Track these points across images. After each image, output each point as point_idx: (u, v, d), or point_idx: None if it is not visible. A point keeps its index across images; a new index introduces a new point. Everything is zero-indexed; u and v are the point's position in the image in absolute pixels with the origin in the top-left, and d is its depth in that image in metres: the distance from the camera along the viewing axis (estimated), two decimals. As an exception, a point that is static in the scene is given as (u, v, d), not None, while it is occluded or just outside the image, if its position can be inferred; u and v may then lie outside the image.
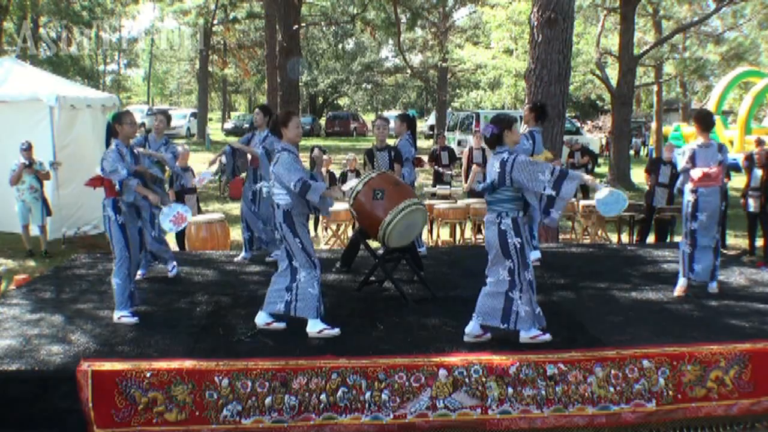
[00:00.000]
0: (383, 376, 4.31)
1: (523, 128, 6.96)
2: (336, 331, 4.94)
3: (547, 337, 4.78)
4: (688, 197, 5.93)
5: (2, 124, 10.23)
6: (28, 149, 9.29)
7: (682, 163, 5.94)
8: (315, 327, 4.94)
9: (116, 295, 5.27)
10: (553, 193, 4.48)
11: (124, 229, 5.26)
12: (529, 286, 4.71)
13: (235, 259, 7.28)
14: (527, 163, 4.58)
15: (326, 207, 5.00)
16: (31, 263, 9.08)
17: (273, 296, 5.04)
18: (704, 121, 5.93)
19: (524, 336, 4.78)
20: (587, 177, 4.81)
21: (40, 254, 9.45)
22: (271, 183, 5.02)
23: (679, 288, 5.97)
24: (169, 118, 7.17)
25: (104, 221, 5.36)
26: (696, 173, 5.84)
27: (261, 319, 5.09)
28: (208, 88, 36.48)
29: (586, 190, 12.19)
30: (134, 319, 5.23)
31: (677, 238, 9.68)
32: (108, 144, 5.44)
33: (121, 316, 5.24)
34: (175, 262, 6.66)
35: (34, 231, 9.67)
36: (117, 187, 5.20)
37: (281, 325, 5.05)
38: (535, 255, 7.08)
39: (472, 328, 4.83)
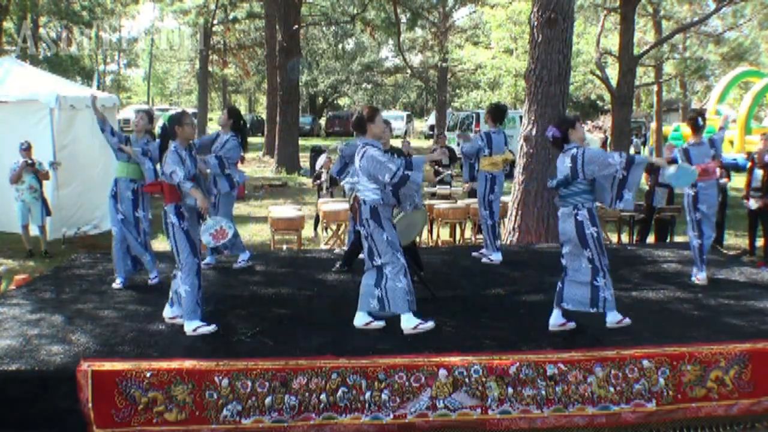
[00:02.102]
0: (383, 376, 4.31)
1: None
2: (430, 324, 4.92)
3: (628, 320, 5.01)
4: (689, 191, 6.38)
5: (2, 124, 10.23)
6: (27, 149, 9.29)
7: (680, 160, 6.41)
8: (410, 323, 4.92)
9: (186, 304, 4.96)
10: (625, 173, 4.78)
11: (189, 235, 5.00)
12: (608, 271, 4.97)
13: (234, 266, 6.94)
14: (596, 153, 4.92)
15: (417, 195, 4.97)
16: (31, 263, 9.08)
17: (365, 294, 5.02)
18: (694, 124, 6.46)
19: (611, 321, 4.98)
20: (655, 159, 4.96)
21: (40, 254, 9.45)
22: (356, 179, 4.99)
23: (700, 278, 6.35)
24: (151, 117, 6.76)
25: (166, 228, 5.05)
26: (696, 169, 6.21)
27: (359, 320, 5.03)
28: (208, 88, 36.46)
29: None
30: (211, 328, 4.96)
31: (677, 238, 9.71)
32: (164, 148, 5.14)
33: (197, 327, 4.94)
34: (157, 271, 6.35)
35: (33, 231, 9.67)
36: (175, 179, 4.89)
37: (380, 324, 4.99)
38: (497, 257, 7.22)
39: (555, 319, 5.02)
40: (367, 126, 4.97)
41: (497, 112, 7.25)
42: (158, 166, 6.25)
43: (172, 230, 5.01)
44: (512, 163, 7.83)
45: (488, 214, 7.16)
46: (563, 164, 4.99)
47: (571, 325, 5.03)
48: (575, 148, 4.95)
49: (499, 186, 7.21)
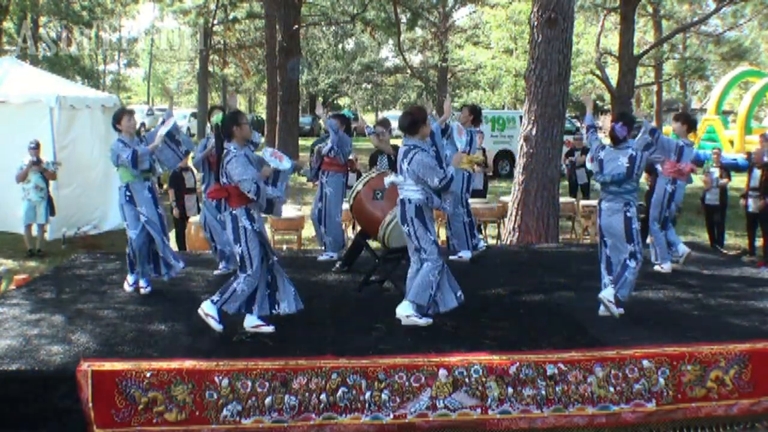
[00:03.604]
0: (383, 376, 4.31)
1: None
2: (425, 320, 5.00)
3: (620, 310, 5.21)
4: (667, 187, 6.63)
5: (2, 124, 10.23)
6: (36, 148, 9.31)
7: (671, 146, 6.62)
8: (406, 310, 5.02)
9: (234, 297, 4.84)
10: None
11: (262, 237, 4.90)
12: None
13: (215, 272, 6.76)
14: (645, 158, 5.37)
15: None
16: (31, 263, 9.08)
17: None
18: (692, 122, 6.90)
19: (606, 295, 5.27)
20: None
21: (35, 253, 9.43)
22: (401, 178, 5.03)
23: (669, 268, 6.70)
24: (132, 114, 6.15)
25: (235, 233, 4.84)
26: (684, 167, 6.56)
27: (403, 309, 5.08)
28: (208, 88, 36.45)
29: (586, 191, 12.20)
30: (219, 327, 4.85)
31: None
32: (221, 149, 4.95)
33: (209, 314, 4.85)
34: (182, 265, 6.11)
35: (36, 231, 9.67)
36: (252, 195, 4.74)
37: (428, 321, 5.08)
38: (466, 254, 7.25)
39: (607, 293, 5.28)
40: (420, 128, 5.00)
41: (478, 112, 7.42)
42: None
43: (245, 235, 4.82)
44: (512, 160, 7.92)
45: (465, 211, 7.19)
46: (617, 161, 5.22)
47: (620, 310, 5.23)
48: (632, 149, 5.23)
49: (471, 184, 7.30)
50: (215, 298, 4.90)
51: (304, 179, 18.87)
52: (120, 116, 5.97)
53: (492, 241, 9.86)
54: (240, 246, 4.85)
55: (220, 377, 4.24)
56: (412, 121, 5.01)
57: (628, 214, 5.20)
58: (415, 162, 4.91)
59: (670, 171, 6.56)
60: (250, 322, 4.97)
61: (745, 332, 4.88)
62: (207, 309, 4.88)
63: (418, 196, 4.95)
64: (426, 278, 4.98)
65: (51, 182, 9.66)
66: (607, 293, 5.27)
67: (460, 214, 7.18)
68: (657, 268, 6.72)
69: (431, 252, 4.99)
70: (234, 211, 4.85)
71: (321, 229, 7.28)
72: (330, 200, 7.14)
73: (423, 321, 5.01)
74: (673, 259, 6.80)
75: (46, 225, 9.71)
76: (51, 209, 9.61)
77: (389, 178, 5.18)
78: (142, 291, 6.01)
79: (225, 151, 4.89)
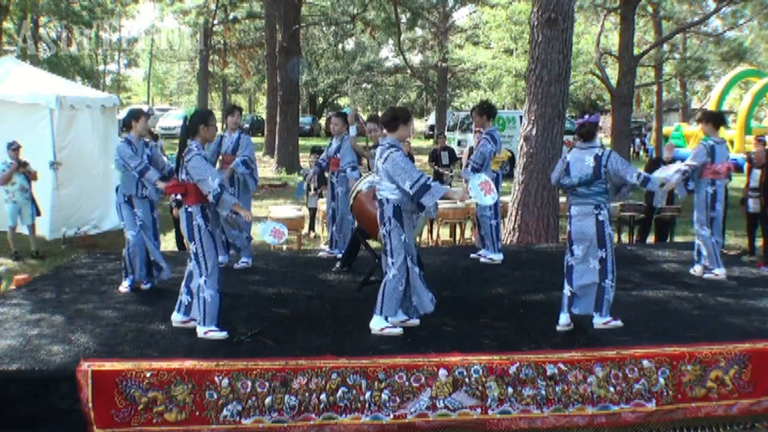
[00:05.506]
0: (383, 376, 4.31)
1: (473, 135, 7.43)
2: (398, 330, 4.92)
3: (619, 322, 5.02)
4: (707, 189, 6.39)
5: (2, 124, 10.21)
6: (17, 149, 9.22)
7: (701, 157, 6.39)
8: (379, 324, 4.93)
9: (209, 309, 4.83)
10: (637, 183, 4.93)
11: (214, 238, 4.88)
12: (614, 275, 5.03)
13: (235, 266, 6.93)
14: (620, 162, 4.93)
15: (436, 208, 5.03)
16: (32, 263, 9.06)
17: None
18: (718, 119, 6.65)
19: (598, 323, 5.02)
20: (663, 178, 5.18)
21: (29, 255, 9.40)
22: (378, 178, 4.97)
23: (723, 274, 6.47)
24: (149, 117, 6.45)
25: (189, 231, 4.83)
26: (721, 167, 6.37)
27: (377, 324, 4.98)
28: (208, 88, 36.46)
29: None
30: (223, 334, 4.85)
31: (677, 239, 9.71)
32: (184, 144, 4.92)
33: (208, 331, 4.85)
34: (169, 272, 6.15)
35: (24, 232, 9.62)
36: (211, 198, 4.70)
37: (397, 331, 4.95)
38: (498, 257, 7.22)
39: (564, 320, 5.06)
40: (399, 126, 4.93)
41: (491, 109, 7.23)
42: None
43: (198, 233, 4.81)
44: (512, 161, 7.87)
45: (492, 213, 7.14)
46: (583, 162, 4.97)
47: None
48: (598, 148, 5.00)
49: (499, 185, 7.19)
50: (198, 319, 4.92)
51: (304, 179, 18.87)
52: (138, 115, 5.98)
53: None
54: (194, 244, 4.85)
55: (220, 377, 4.24)
56: (393, 117, 4.95)
57: (600, 218, 4.92)
58: (390, 161, 4.81)
59: (707, 173, 6.42)
60: (203, 329, 4.90)
61: (745, 332, 4.88)
62: (204, 330, 4.88)
63: (396, 196, 4.86)
64: (391, 291, 4.90)
65: (46, 182, 9.59)
66: (598, 322, 5.05)
67: (488, 217, 7.16)
68: (709, 276, 6.49)
69: (397, 258, 4.88)
70: (189, 209, 4.84)
71: (332, 228, 7.42)
72: (341, 200, 7.18)
73: (398, 330, 4.94)
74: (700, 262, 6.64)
75: (35, 225, 9.65)
76: (36, 209, 9.55)
77: (365, 183, 5.07)
78: (143, 286, 6.06)
79: (187, 148, 4.88)
